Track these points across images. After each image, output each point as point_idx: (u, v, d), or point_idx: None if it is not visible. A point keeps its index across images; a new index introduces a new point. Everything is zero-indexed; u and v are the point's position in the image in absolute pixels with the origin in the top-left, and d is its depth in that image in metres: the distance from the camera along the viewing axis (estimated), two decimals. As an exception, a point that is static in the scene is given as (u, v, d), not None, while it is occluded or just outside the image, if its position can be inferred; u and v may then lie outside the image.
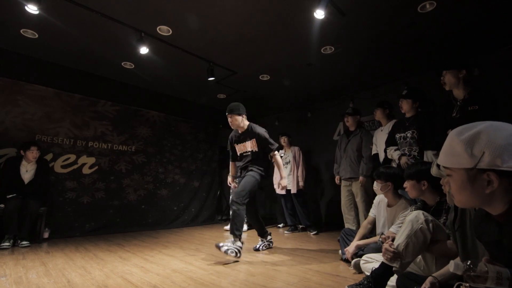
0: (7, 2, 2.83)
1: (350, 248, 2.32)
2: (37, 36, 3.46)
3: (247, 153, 3.08)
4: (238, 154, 3.18)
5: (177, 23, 3.18)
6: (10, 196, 3.33)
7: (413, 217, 1.56)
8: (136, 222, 4.78)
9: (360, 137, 3.63)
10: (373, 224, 2.53)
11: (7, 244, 3.15)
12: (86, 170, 4.40)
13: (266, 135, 3.04)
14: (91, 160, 4.46)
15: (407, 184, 1.90)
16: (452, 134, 0.87)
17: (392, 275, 1.59)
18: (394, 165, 2.77)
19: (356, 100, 5.12)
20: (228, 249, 2.61)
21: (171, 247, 3.34)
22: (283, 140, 4.73)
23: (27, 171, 3.56)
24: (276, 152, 3.04)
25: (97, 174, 4.50)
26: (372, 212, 2.54)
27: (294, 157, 4.58)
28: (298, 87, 5.06)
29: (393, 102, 3.36)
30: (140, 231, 4.62)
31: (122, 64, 4.18)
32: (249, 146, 3.05)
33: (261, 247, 3.14)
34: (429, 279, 1.26)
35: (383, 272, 1.60)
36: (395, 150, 2.79)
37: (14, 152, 3.72)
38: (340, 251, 2.70)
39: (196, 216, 5.56)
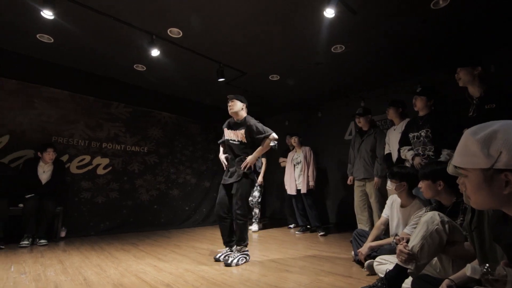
0: (24, 8, 2.92)
1: (363, 250, 2.29)
2: (52, 40, 3.56)
3: (233, 142, 2.87)
4: (227, 138, 2.96)
5: (187, 25, 3.21)
6: (29, 196, 3.43)
7: (429, 218, 1.53)
8: (149, 222, 4.86)
9: (374, 137, 3.57)
10: (387, 225, 2.49)
11: (26, 242, 3.25)
12: (100, 171, 4.50)
13: (259, 124, 2.86)
14: (105, 161, 4.56)
15: (422, 184, 1.87)
16: (467, 134, 0.85)
17: (407, 277, 1.56)
18: (407, 165, 2.72)
19: (368, 99, 5.05)
20: (235, 260, 2.54)
21: (183, 246, 3.38)
22: (294, 140, 4.70)
23: (44, 172, 3.67)
24: (270, 137, 2.76)
25: (111, 175, 4.60)
26: (385, 213, 2.51)
27: (305, 157, 4.55)
28: (308, 86, 5.04)
29: (405, 100, 3.30)
30: (152, 230, 4.69)
31: (134, 66, 4.25)
32: (239, 136, 2.86)
33: (221, 257, 2.71)
34: (446, 281, 1.23)
35: (397, 274, 1.58)
36: (409, 150, 2.73)
37: (32, 154, 3.83)
38: (352, 252, 2.67)
39: (207, 216, 5.60)
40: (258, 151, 2.77)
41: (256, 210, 4.80)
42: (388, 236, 2.43)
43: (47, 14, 2.77)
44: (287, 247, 3.35)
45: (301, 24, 3.18)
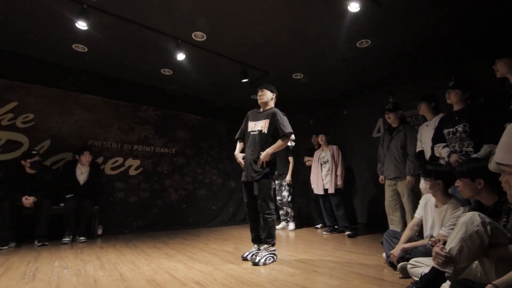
0: (60, 21, 3.14)
1: (396, 252, 2.20)
2: (86, 50, 3.79)
3: (254, 132, 2.79)
4: (248, 131, 2.88)
5: (211, 27, 3.28)
6: (69, 196, 3.68)
7: (468, 219, 1.44)
8: (177, 221, 5.03)
9: (404, 134, 3.40)
10: (420, 226, 2.38)
11: (67, 239, 3.49)
12: (132, 172, 4.72)
13: (285, 118, 2.80)
14: (136, 162, 4.78)
15: (459, 183, 1.76)
16: (510, 129, 0.79)
17: (444, 281, 1.48)
18: (442, 163, 2.57)
19: (396, 94, 4.85)
20: (262, 259, 2.55)
21: (212, 245, 3.45)
22: (321, 138, 4.60)
23: (82, 174, 3.91)
24: (287, 137, 2.72)
25: (142, 176, 4.80)
26: (418, 213, 2.39)
27: (333, 156, 4.44)
28: (332, 83, 4.93)
29: (438, 95, 3.12)
30: (181, 229, 4.84)
31: (161, 71, 4.41)
32: (260, 125, 2.80)
33: (249, 256, 2.73)
34: (489, 287, 1.15)
35: (434, 278, 1.50)
36: (444, 146, 2.58)
37: (71, 156, 4.10)
38: (383, 254, 2.57)
39: (234, 216, 5.67)
40: (273, 147, 2.70)
41: (289, 210, 4.80)
42: (421, 238, 2.31)
43: (81, 25, 2.95)
44: (314, 248, 3.31)
45: (325, 20, 3.12)
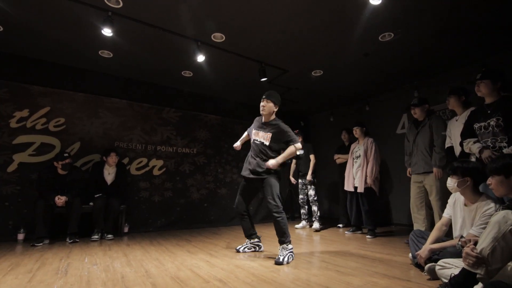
0: (87, 28, 3.29)
1: (423, 253, 2.11)
2: (111, 55, 3.95)
3: (257, 142, 2.90)
4: (252, 139, 3.00)
5: (229, 28, 3.31)
6: (97, 195, 3.86)
7: (501, 218, 1.36)
8: (199, 219, 5.12)
9: (430, 126, 3.24)
10: (449, 226, 2.27)
11: (96, 237, 3.67)
12: (156, 172, 4.86)
13: (289, 129, 2.84)
14: (160, 162, 4.92)
15: (491, 181, 1.66)
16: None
17: (476, 283, 1.41)
18: (473, 159, 2.43)
19: (422, 89, 4.66)
20: (285, 258, 2.56)
21: (233, 243, 3.48)
22: (355, 131, 4.34)
23: (109, 174, 4.08)
24: (295, 146, 2.77)
25: (165, 175, 4.94)
26: (447, 213, 2.28)
27: (365, 151, 4.14)
28: (353, 79, 4.81)
29: (468, 88, 2.96)
30: (203, 227, 4.93)
31: (182, 73, 4.51)
32: (262, 136, 2.87)
33: (241, 248, 3.01)
34: None
35: (464, 280, 1.43)
36: (474, 142, 2.44)
37: (99, 158, 4.30)
38: (410, 255, 2.48)
39: (255, 214, 5.69)
40: (283, 157, 2.76)
41: (315, 208, 4.64)
42: (450, 238, 2.21)
43: (107, 31, 3.08)
44: (336, 247, 3.25)
45: (345, 15, 3.05)
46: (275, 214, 2.69)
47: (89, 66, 4.32)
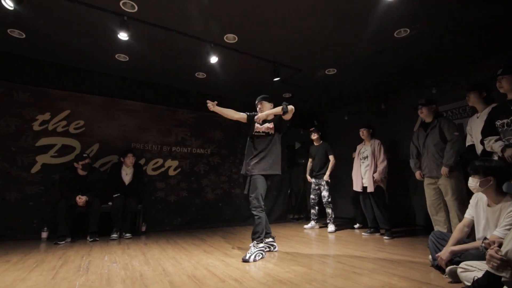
0: (104, 33, 3.39)
1: (444, 255, 2.05)
2: (128, 59, 4.05)
3: (260, 135, 3.00)
4: (253, 132, 3.06)
5: (242, 29, 3.32)
6: (116, 195, 3.97)
7: (528, 220, 1.30)
8: (214, 219, 5.17)
9: (439, 127, 3.17)
10: (471, 227, 2.19)
11: (115, 235, 3.77)
12: (171, 172, 4.95)
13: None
14: (175, 163, 5.00)
15: (516, 180, 1.59)
16: None
17: (501, 286, 1.35)
18: (495, 158, 2.34)
19: (440, 85, 4.52)
20: (251, 256, 2.62)
21: (247, 243, 3.49)
22: (362, 132, 4.35)
23: (126, 174, 4.19)
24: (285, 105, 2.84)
25: (181, 176, 5.02)
26: (469, 213, 2.20)
27: (373, 152, 4.17)
28: (368, 77, 4.73)
29: (489, 84, 2.84)
30: (218, 227, 4.97)
31: (196, 74, 4.57)
32: (266, 128, 3.01)
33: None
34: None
35: (488, 283, 1.38)
36: (496, 140, 2.34)
37: (116, 159, 4.42)
38: (430, 257, 2.41)
39: (269, 215, 5.65)
40: (272, 111, 2.88)
41: (329, 211, 4.63)
42: (472, 240, 2.13)
43: (123, 36, 3.16)
44: (353, 248, 3.20)
45: (359, 13, 3.00)
46: (254, 212, 2.81)
47: (106, 69, 4.45)
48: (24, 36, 3.47)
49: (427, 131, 3.31)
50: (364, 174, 4.23)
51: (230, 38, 3.49)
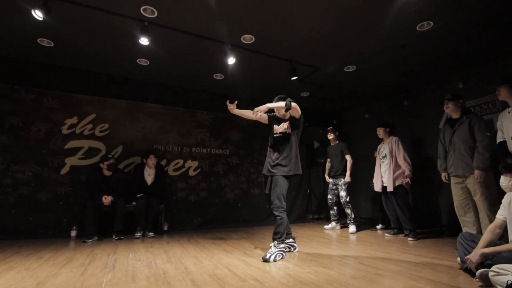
0: (125, 39, 3.51)
1: (474, 257, 1.95)
2: (148, 63, 4.17)
3: (278, 136, 2.99)
4: (273, 134, 3.10)
5: (258, 29, 3.33)
6: (139, 195, 4.10)
7: None
8: (234, 219, 5.22)
9: (469, 124, 2.98)
10: (503, 228, 2.07)
11: (139, 234, 3.90)
12: (191, 173, 5.05)
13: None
14: (195, 163, 5.10)
15: (554, 179, 1.49)
16: None
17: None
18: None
19: (468, 79, 4.31)
20: (272, 256, 2.61)
21: (267, 243, 3.50)
22: (378, 131, 4.29)
23: (149, 175, 4.32)
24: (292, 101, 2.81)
25: (200, 176, 5.11)
26: (501, 214, 2.08)
27: (391, 151, 4.08)
28: (389, 73, 4.58)
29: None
30: (238, 227, 5.02)
31: (214, 76, 4.63)
32: (282, 128, 2.98)
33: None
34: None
35: (524, 288, 1.30)
36: (531, 136, 2.20)
37: (139, 160, 4.56)
38: (458, 259, 2.31)
39: (288, 215, 5.61)
40: (273, 104, 2.85)
41: (348, 211, 4.58)
42: (504, 242, 2.01)
43: (144, 41, 3.27)
44: (375, 250, 3.12)
45: (380, 5, 2.92)
46: (275, 213, 2.79)
47: (128, 74, 4.61)
48: (52, 44, 3.66)
49: (454, 127, 3.14)
50: (384, 174, 4.13)
51: (247, 38, 3.50)
